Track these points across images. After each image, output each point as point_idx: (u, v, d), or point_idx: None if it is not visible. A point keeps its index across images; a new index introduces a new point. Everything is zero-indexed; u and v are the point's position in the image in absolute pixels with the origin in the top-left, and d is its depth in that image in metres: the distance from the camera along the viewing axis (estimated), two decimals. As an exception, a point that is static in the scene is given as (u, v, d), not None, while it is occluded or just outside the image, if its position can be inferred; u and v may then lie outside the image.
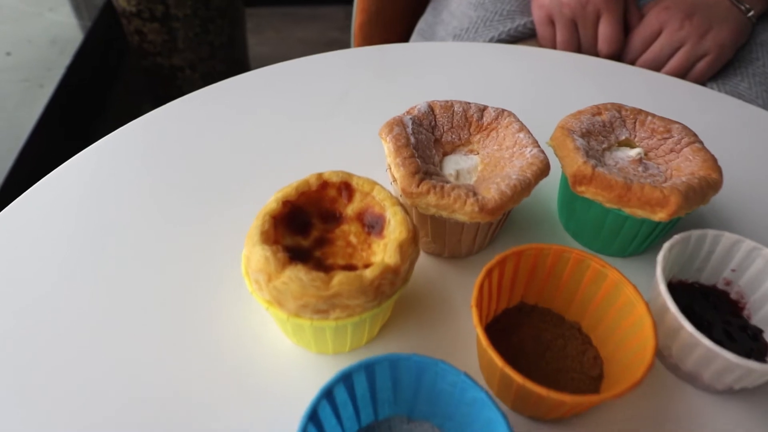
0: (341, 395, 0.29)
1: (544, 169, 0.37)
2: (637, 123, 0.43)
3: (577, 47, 0.69)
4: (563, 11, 0.66)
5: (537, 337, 0.36)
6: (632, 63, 0.68)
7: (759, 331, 0.38)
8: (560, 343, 0.36)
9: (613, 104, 0.44)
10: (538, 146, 0.39)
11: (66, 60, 1.30)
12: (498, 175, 0.37)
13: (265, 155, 0.51)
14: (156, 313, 0.38)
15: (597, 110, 0.43)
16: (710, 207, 0.48)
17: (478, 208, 0.35)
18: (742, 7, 0.65)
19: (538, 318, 0.37)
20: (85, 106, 1.43)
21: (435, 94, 0.59)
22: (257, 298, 0.32)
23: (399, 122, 0.39)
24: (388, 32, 0.90)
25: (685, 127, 0.43)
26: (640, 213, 0.37)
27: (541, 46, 0.70)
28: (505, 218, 0.41)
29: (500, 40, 0.70)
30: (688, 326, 0.33)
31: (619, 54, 0.68)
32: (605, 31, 0.66)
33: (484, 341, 0.31)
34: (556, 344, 0.36)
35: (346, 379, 0.29)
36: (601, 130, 0.43)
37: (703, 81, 0.66)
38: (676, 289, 0.40)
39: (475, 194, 0.35)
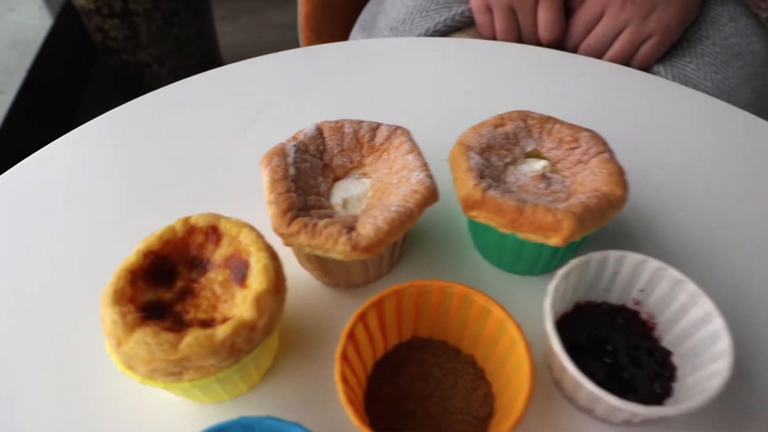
0: (193, 463, 0.28)
1: (429, 197, 0.35)
2: (543, 132, 0.40)
3: (518, 35, 0.64)
4: (500, -3, 0.62)
5: (426, 375, 0.34)
6: (575, 48, 0.63)
7: (668, 354, 0.36)
8: (450, 380, 0.34)
9: (519, 113, 0.41)
10: (427, 170, 0.36)
11: (27, 63, 1.27)
12: (381, 205, 0.35)
13: (172, 176, 0.48)
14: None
15: (500, 121, 0.40)
16: (639, 208, 0.46)
17: (350, 248, 0.32)
18: (690, -18, 0.60)
19: (430, 352, 0.35)
20: (54, 109, 1.41)
21: (360, 101, 0.56)
22: (113, 359, 0.31)
23: (280, 151, 0.37)
24: (335, 23, 0.86)
25: (594, 136, 0.39)
26: (534, 238, 0.35)
27: (480, 35, 0.66)
28: (403, 242, 0.39)
29: (437, 31, 0.66)
30: (571, 368, 0.31)
31: (561, 40, 0.64)
32: (544, 17, 0.62)
33: (343, 398, 0.29)
34: (446, 382, 0.34)
35: (196, 447, 0.28)
36: (504, 143, 0.40)
37: (649, 64, 0.62)
38: (584, 310, 0.38)
39: (349, 231, 0.33)
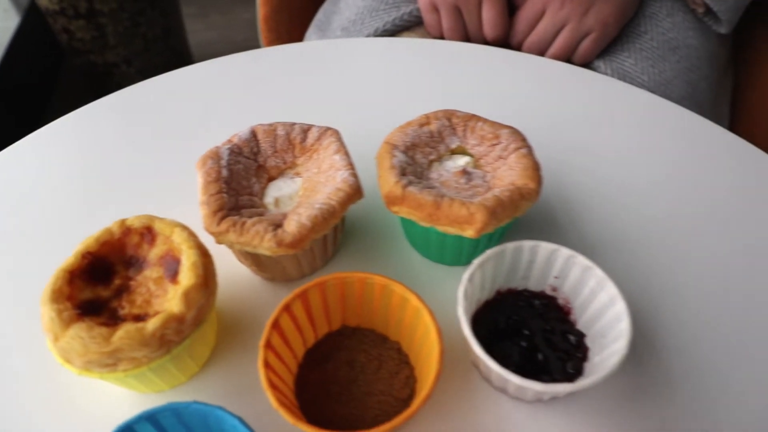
0: (127, 447, 0.31)
1: (352, 195, 0.38)
2: (467, 130, 0.43)
3: (465, 34, 0.67)
4: (445, -3, 0.65)
5: (352, 361, 0.37)
6: (519, 46, 0.66)
7: (582, 336, 0.39)
8: (375, 365, 0.37)
9: (444, 112, 0.44)
10: (352, 169, 0.39)
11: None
12: (307, 203, 0.38)
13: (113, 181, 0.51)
14: None
15: (426, 120, 0.43)
16: (567, 200, 0.49)
17: (275, 244, 0.35)
18: (627, -20, 0.63)
19: (358, 340, 0.38)
20: (23, 111, 1.42)
21: (307, 102, 0.58)
22: (53, 353, 0.33)
23: (214, 154, 0.40)
24: (294, 24, 0.88)
25: (514, 132, 0.42)
26: (452, 230, 0.38)
27: (428, 33, 0.69)
28: (336, 237, 0.42)
29: (386, 31, 0.69)
30: (479, 351, 0.34)
31: (506, 38, 0.67)
32: (488, 16, 0.65)
33: (264, 383, 0.32)
34: (371, 366, 0.37)
35: (127, 430, 0.30)
36: (429, 141, 0.43)
37: (590, 60, 0.65)
38: (505, 297, 0.41)
39: (275, 228, 0.36)
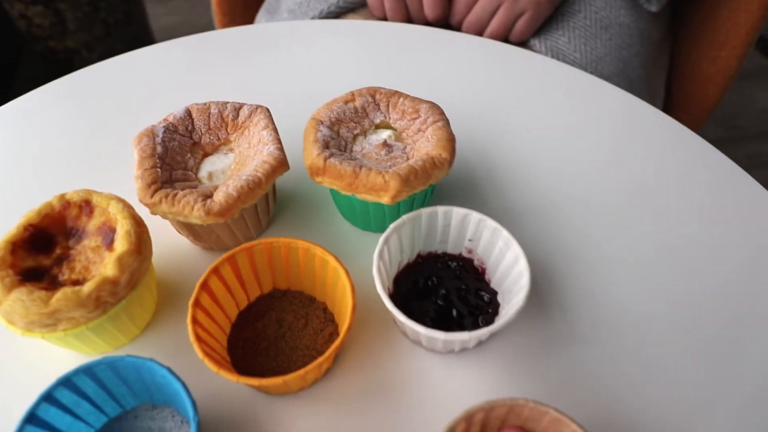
0: (66, 397, 0.34)
1: (277, 167, 0.42)
2: (390, 105, 0.47)
3: (407, 15, 0.71)
4: (387, -21, 0.68)
5: (279, 320, 0.41)
6: (459, 26, 0.70)
7: (494, 293, 0.44)
8: (302, 323, 0.41)
9: (368, 89, 0.47)
10: (278, 143, 0.43)
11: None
12: (236, 175, 0.42)
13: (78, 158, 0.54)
14: None
15: (351, 97, 0.47)
16: (492, 169, 0.53)
17: (204, 213, 0.39)
18: (559, -40, 0.67)
19: (287, 301, 0.43)
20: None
21: (254, 83, 0.62)
22: (-2, 317, 0.37)
23: (149, 132, 0.43)
24: (249, 7, 0.91)
25: (432, 107, 0.46)
26: (370, 198, 0.42)
27: (372, 15, 0.72)
28: (268, 207, 0.46)
29: (330, 12, 0.72)
30: (390, 306, 0.38)
31: (446, 18, 0.70)
32: (428, -2, 0.68)
33: (192, 336, 0.36)
34: (297, 325, 0.41)
35: (65, 382, 0.34)
36: (353, 116, 0.46)
37: (525, 38, 0.69)
38: (425, 260, 0.45)
39: (205, 199, 0.40)
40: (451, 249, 0.45)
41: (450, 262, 0.45)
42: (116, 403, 0.37)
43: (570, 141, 0.56)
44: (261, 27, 0.69)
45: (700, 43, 0.76)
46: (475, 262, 0.45)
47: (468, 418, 0.33)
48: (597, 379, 0.41)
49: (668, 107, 0.82)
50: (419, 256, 0.45)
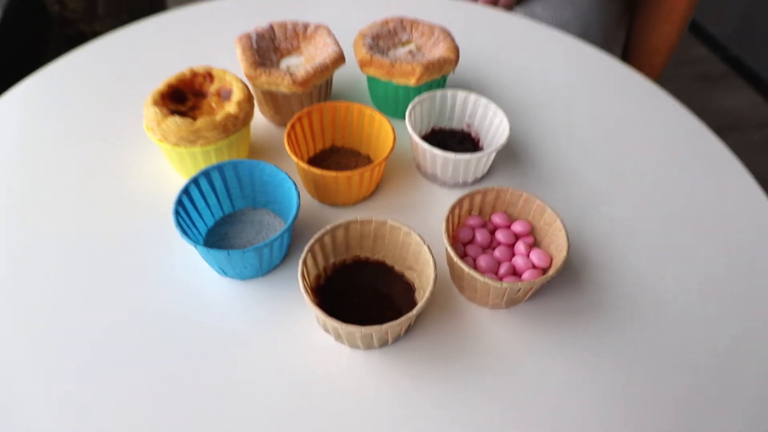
0: (204, 185, 0.55)
1: (337, 59, 0.64)
2: (413, 28, 0.70)
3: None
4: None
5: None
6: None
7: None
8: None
9: (398, 17, 0.70)
10: (337, 45, 0.65)
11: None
12: (310, 64, 0.63)
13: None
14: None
15: (386, 22, 0.70)
16: (475, 76, 0.76)
17: (290, 81, 0.60)
18: (537, -53, 0.92)
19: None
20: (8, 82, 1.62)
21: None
22: (151, 137, 0.57)
23: (247, 36, 0.65)
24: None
25: (443, 29, 0.69)
26: (402, 81, 0.64)
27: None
28: (326, 90, 0.67)
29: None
30: (415, 137, 0.60)
31: (448, -11, 0.94)
32: (434, -28, 0.92)
33: (292, 154, 0.57)
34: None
35: (206, 174, 0.55)
36: (388, 34, 0.69)
37: (510, 6, 0.93)
38: (436, 133, 0.67)
39: (291, 74, 0.61)
40: (455, 125, 0.67)
41: (454, 134, 0.67)
42: (230, 202, 0.58)
43: (541, 89, 0.79)
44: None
45: (649, 18, 1.01)
46: (473, 135, 0.67)
47: (470, 198, 0.54)
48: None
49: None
50: (433, 129, 0.67)
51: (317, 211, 0.60)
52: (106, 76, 0.77)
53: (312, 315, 0.51)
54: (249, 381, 0.48)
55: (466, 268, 0.48)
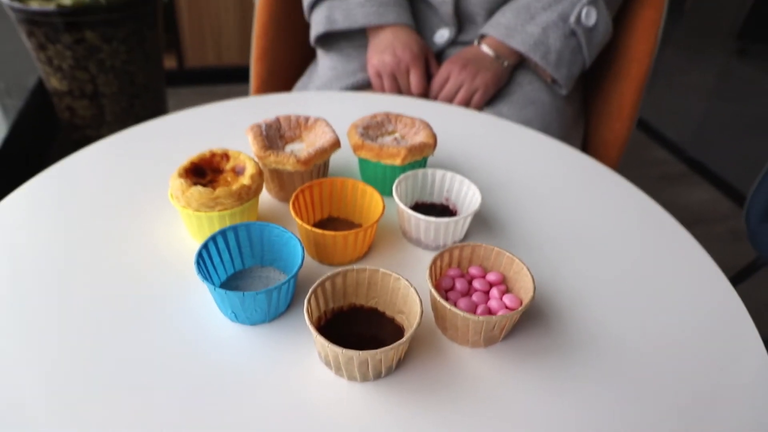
0: (221, 243, 0.65)
1: (334, 143, 0.77)
2: (397, 121, 0.84)
3: (399, 92, 1.11)
4: (386, 69, 1.09)
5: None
6: (435, 98, 1.11)
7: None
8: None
9: (384, 113, 0.85)
10: (334, 133, 0.78)
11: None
12: (311, 148, 0.76)
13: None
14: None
15: (374, 116, 0.84)
16: (451, 159, 0.89)
17: (295, 160, 0.73)
18: (499, 60, 1.10)
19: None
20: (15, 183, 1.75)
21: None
22: (175, 204, 0.68)
23: (258, 126, 0.78)
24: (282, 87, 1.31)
25: (423, 121, 0.83)
26: (389, 161, 0.77)
27: (376, 92, 1.13)
28: (326, 172, 0.79)
29: (346, 90, 1.12)
30: (401, 204, 0.71)
31: (426, 94, 1.11)
32: (414, 81, 1.09)
33: (291, 209, 0.67)
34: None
35: (222, 233, 0.65)
36: (376, 125, 0.83)
37: (479, 106, 1.10)
38: (419, 206, 0.79)
39: (296, 156, 0.74)
40: (435, 199, 0.79)
41: (434, 207, 0.78)
42: (241, 260, 0.67)
43: (506, 174, 0.93)
44: (303, 94, 1.08)
45: (602, 117, 1.18)
46: (451, 207, 0.78)
47: (450, 252, 0.65)
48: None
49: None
50: (416, 203, 0.79)
51: (317, 269, 0.70)
52: (122, 167, 0.89)
53: (313, 354, 0.59)
54: (253, 412, 0.55)
55: (447, 306, 0.58)
